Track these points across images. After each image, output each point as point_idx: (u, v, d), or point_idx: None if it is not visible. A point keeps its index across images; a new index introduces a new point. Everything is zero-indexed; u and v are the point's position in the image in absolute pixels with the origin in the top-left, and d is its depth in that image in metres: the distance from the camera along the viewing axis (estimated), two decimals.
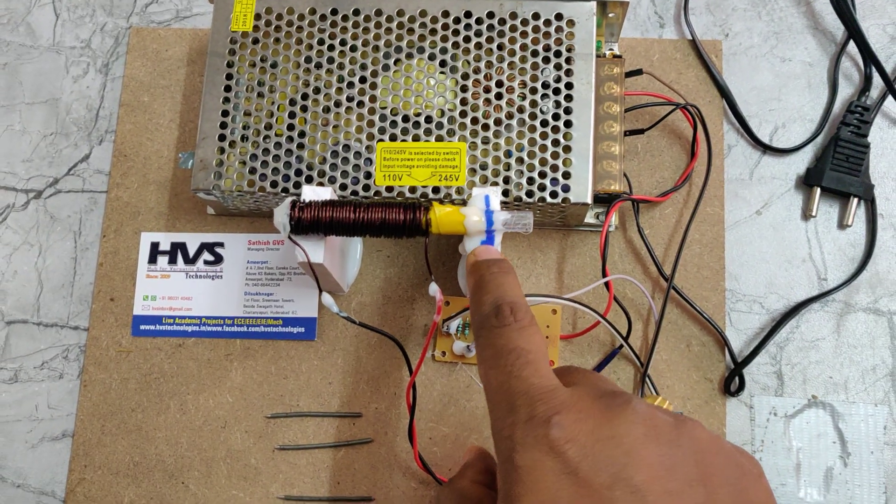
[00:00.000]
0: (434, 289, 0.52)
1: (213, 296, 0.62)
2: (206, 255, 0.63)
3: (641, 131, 0.62)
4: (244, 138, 0.58)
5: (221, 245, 0.63)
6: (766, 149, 0.64)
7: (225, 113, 0.58)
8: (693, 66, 0.65)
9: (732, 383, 0.59)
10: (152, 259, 0.63)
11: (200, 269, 0.63)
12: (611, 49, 0.63)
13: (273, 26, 0.59)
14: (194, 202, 0.64)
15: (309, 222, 0.50)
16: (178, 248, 0.63)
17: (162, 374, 0.62)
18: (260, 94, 0.58)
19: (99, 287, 0.63)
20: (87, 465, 0.61)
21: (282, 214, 0.50)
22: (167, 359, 0.62)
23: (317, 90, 0.58)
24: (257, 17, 0.59)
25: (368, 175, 0.57)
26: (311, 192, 0.52)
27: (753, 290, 0.61)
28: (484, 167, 0.56)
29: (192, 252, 0.63)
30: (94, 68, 0.67)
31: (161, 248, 0.63)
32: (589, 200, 0.56)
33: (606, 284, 0.58)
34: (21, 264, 0.64)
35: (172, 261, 0.63)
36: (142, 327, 0.62)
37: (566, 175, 0.56)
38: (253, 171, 0.57)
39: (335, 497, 0.59)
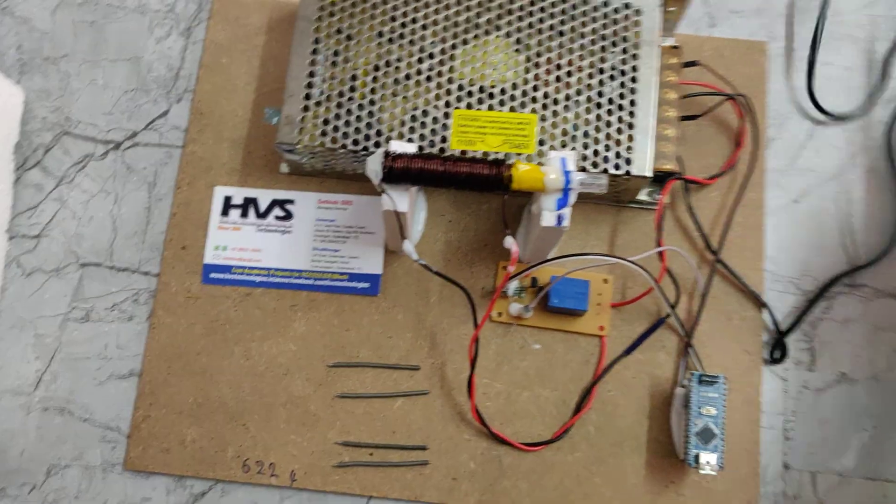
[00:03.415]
0: (510, 241, 0.56)
1: (283, 249, 0.65)
2: (277, 211, 0.66)
3: (695, 117, 0.66)
4: (329, 98, 0.61)
5: (292, 202, 0.66)
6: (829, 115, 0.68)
7: (311, 74, 0.62)
8: (740, 62, 0.70)
9: (776, 351, 0.63)
10: (224, 212, 0.66)
11: (271, 224, 0.66)
12: (668, 42, 0.68)
13: None
14: (267, 160, 0.67)
15: (400, 171, 0.54)
16: (251, 202, 0.66)
17: (228, 320, 0.64)
18: (346, 60, 0.62)
19: (171, 235, 0.66)
20: (152, 403, 0.63)
21: (375, 162, 0.54)
22: (234, 306, 0.65)
23: (399, 59, 0.62)
24: None
25: (444, 139, 0.61)
26: (398, 146, 0.56)
27: (789, 272, 0.66)
28: (553, 138, 0.60)
29: (263, 207, 0.66)
30: (176, 31, 0.71)
31: (234, 201, 0.66)
32: (649, 174, 0.60)
33: (660, 254, 0.62)
34: (97, 211, 0.67)
35: (244, 214, 0.66)
36: (212, 275, 0.65)
37: (629, 150, 0.60)
38: (336, 129, 0.61)
39: (390, 444, 0.62)
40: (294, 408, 0.63)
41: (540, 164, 0.56)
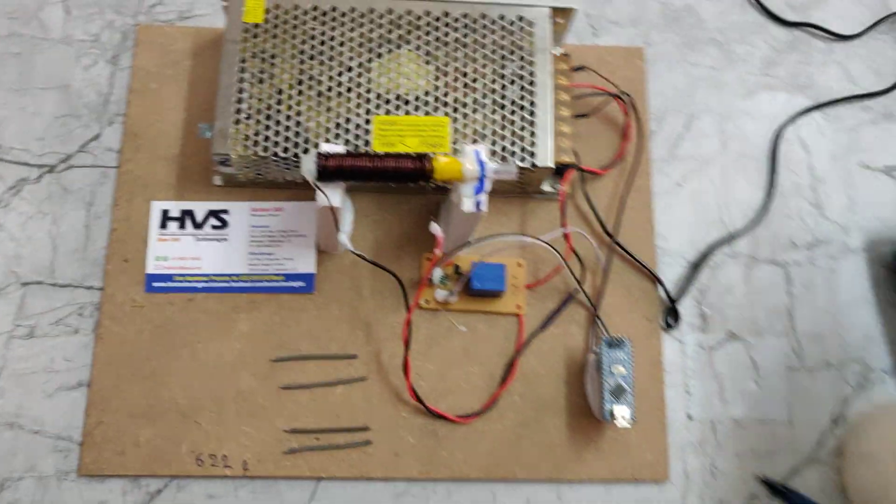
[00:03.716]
0: (435, 227, 0.62)
1: (221, 256, 0.70)
2: (213, 221, 0.70)
3: (587, 115, 0.75)
4: (258, 111, 0.67)
5: (227, 212, 0.71)
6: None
7: (240, 90, 0.67)
8: (622, 66, 0.79)
9: (669, 318, 0.72)
10: (163, 224, 0.70)
11: (208, 233, 0.70)
12: (558, 50, 0.76)
13: (281, 20, 0.69)
14: (201, 175, 0.72)
15: (333, 169, 0.60)
16: (187, 214, 0.70)
17: (174, 325, 0.68)
18: (271, 76, 0.68)
19: (113, 250, 0.69)
20: (103, 409, 0.66)
21: (309, 162, 0.59)
22: (179, 312, 0.69)
23: (320, 73, 0.68)
24: (267, 11, 0.69)
25: (367, 143, 0.67)
26: (329, 147, 0.61)
27: (677, 247, 0.75)
28: (465, 137, 0.67)
29: (199, 218, 0.70)
30: (103, 59, 0.75)
31: (171, 214, 0.70)
32: (551, 165, 0.68)
33: (565, 236, 0.70)
34: (35, 231, 0.70)
35: (182, 226, 0.70)
36: (154, 284, 0.69)
37: (532, 144, 0.68)
38: (266, 139, 0.66)
39: (335, 428, 0.67)
40: (243, 401, 0.67)
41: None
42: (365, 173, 0.60)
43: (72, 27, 0.76)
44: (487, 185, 0.62)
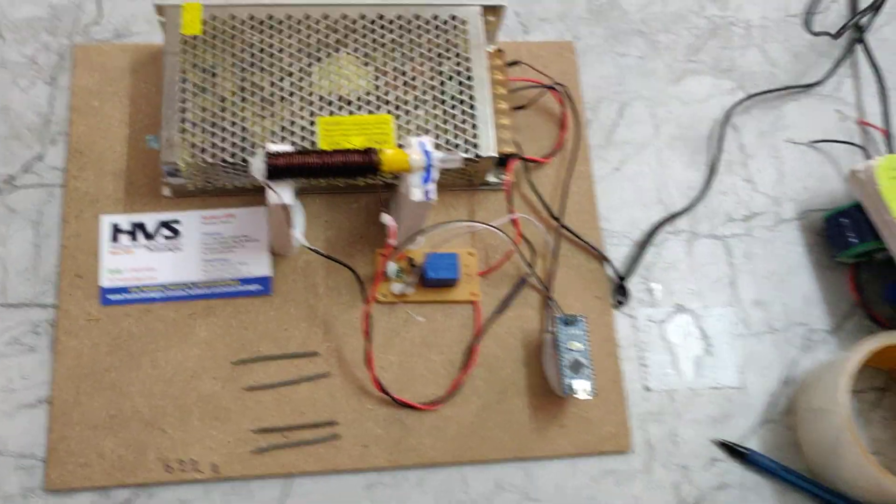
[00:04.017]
0: (387, 218, 0.64)
1: (175, 265, 0.70)
2: (165, 231, 0.71)
3: (525, 107, 0.78)
4: (203, 120, 0.68)
5: (178, 222, 0.71)
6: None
7: (183, 100, 0.68)
8: (554, 61, 0.82)
9: (618, 295, 0.74)
10: (114, 238, 0.70)
11: (160, 244, 0.70)
12: (492, 47, 0.78)
13: (219, 30, 0.70)
14: (150, 187, 0.72)
15: (282, 167, 0.61)
16: (138, 227, 0.71)
17: (132, 336, 0.68)
18: (213, 85, 0.69)
19: (65, 266, 0.69)
20: (66, 423, 0.65)
21: (259, 161, 0.60)
22: (136, 322, 0.69)
23: (262, 80, 0.69)
24: (204, 22, 0.70)
25: (313, 144, 0.68)
26: (276, 147, 0.63)
27: (621, 228, 0.77)
28: (408, 133, 0.69)
29: (151, 229, 0.71)
30: (41, 80, 0.75)
31: (121, 227, 0.70)
32: (494, 154, 0.70)
33: (514, 222, 0.72)
34: None
35: (133, 238, 0.70)
36: (110, 297, 0.69)
37: (474, 136, 0.70)
38: (213, 145, 0.67)
39: (302, 424, 0.68)
40: (206, 405, 0.67)
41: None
42: (314, 169, 0.62)
43: (7, 50, 0.76)
44: (434, 174, 0.64)
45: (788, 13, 0.88)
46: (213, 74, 0.69)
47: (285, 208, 0.62)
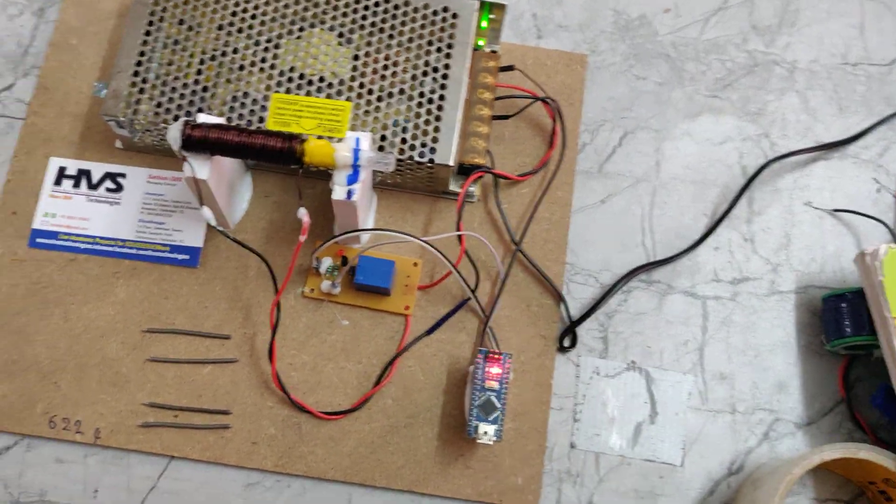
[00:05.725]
0: (302, 212, 0.60)
1: (110, 219, 0.68)
2: (109, 183, 0.69)
3: (507, 117, 0.71)
4: (157, 77, 0.65)
5: (123, 176, 0.69)
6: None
7: (142, 53, 0.66)
8: (561, 71, 0.75)
9: (566, 339, 0.68)
10: (58, 181, 0.69)
11: (101, 195, 0.69)
12: (492, 48, 0.72)
13: None
14: (105, 136, 0.70)
15: (198, 139, 0.58)
16: (84, 174, 0.69)
17: (51, 283, 0.67)
18: (176, 42, 0.66)
19: (3, 201, 0.69)
20: None
21: (175, 130, 0.57)
22: (58, 270, 0.67)
23: (226, 45, 0.66)
24: None
25: (261, 120, 0.65)
26: (204, 118, 0.59)
27: (590, 266, 0.70)
28: (364, 125, 0.65)
29: (95, 179, 0.69)
30: (29, 11, 0.74)
31: (67, 172, 0.69)
32: (451, 163, 0.64)
33: (459, 238, 0.66)
34: None
35: (77, 185, 0.69)
36: (38, 240, 0.68)
37: (434, 140, 0.65)
38: (159, 105, 0.64)
39: (196, 407, 0.65)
40: (106, 369, 0.65)
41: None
42: (230, 147, 0.58)
43: None
44: (362, 175, 0.59)
45: (845, 60, 0.78)
46: (179, 31, 0.66)
47: (197, 182, 0.59)
